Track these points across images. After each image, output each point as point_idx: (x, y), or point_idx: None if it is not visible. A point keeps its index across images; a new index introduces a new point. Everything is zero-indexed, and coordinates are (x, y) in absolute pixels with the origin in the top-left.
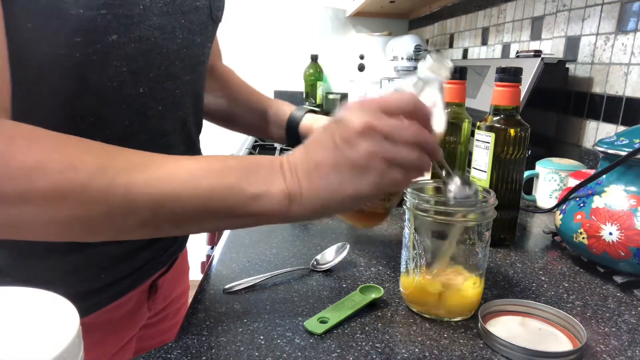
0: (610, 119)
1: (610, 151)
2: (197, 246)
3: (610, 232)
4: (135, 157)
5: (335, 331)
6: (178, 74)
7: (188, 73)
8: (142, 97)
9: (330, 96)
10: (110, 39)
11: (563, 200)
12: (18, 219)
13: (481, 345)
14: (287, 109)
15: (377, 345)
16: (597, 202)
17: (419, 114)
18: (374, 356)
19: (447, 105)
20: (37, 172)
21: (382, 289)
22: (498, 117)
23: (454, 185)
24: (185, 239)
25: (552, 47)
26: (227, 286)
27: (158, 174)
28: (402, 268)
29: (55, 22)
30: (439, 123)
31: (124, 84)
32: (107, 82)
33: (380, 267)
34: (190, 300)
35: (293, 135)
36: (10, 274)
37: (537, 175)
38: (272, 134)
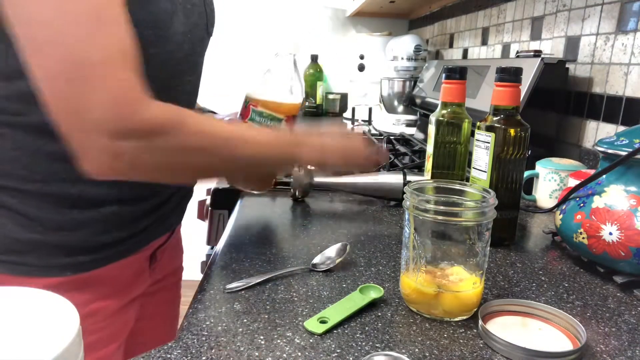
0: (610, 119)
1: (610, 151)
2: (197, 246)
3: (610, 232)
4: (234, 130)
5: (335, 331)
6: (181, 75)
7: (189, 74)
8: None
9: (330, 96)
10: (150, 52)
11: (563, 200)
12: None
13: (481, 345)
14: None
15: (377, 345)
16: (597, 202)
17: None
18: None
19: (447, 105)
20: (198, 135)
21: (382, 289)
22: (498, 117)
23: None
24: (181, 213)
25: (552, 47)
26: (227, 286)
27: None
28: (402, 268)
29: None
30: (296, 93)
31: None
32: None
33: (380, 267)
34: (189, 296)
35: None
36: (42, 223)
37: (537, 175)
38: None
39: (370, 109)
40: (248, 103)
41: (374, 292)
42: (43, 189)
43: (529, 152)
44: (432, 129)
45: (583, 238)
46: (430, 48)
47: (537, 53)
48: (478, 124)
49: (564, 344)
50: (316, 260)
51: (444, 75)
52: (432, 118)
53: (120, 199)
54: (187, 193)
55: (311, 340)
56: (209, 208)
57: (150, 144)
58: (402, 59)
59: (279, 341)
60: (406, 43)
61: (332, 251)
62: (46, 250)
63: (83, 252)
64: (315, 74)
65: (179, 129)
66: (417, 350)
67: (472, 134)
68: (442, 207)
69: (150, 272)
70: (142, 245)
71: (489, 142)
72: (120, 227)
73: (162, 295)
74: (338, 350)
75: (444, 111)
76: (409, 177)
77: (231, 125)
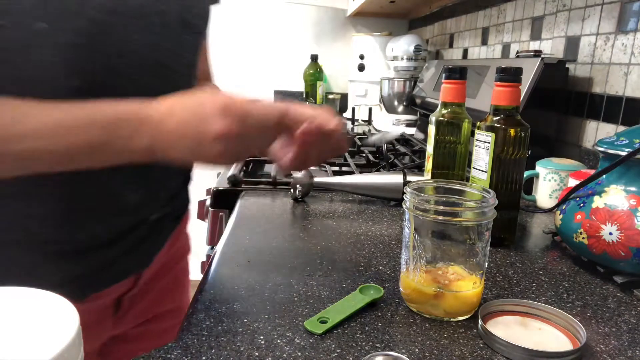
0: (610, 119)
1: (610, 151)
2: (197, 246)
3: (610, 232)
4: (11, 112)
5: (335, 331)
6: (125, 72)
7: (145, 74)
8: (78, 93)
9: (330, 96)
10: (38, 26)
11: (563, 200)
12: None
13: (481, 345)
14: None
15: (377, 345)
16: (597, 202)
17: (285, 122)
18: None
19: (447, 105)
20: None
21: (382, 289)
22: (498, 117)
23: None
24: (148, 257)
25: (552, 47)
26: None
27: (26, 131)
28: (402, 268)
29: None
30: None
31: (55, 77)
32: (30, 70)
33: (380, 267)
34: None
35: None
36: None
37: (537, 175)
38: None
39: (370, 109)
40: None
41: (374, 292)
42: None
43: (529, 152)
44: (432, 129)
45: (583, 238)
46: (430, 48)
47: (537, 53)
48: (478, 124)
49: (564, 344)
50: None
51: (444, 75)
52: (432, 118)
53: (31, 240)
54: (149, 234)
55: (311, 340)
56: (209, 208)
57: None
58: (402, 59)
59: (279, 341)
60: (406, 43)
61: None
62: None
63: None
64: (315, 74)
65: None
66: (417, 350)
67: (472, 134)
68: (442, 207)
69: (114, 321)
70: (81, 295)
71: (489, 142)
72: (34, 272)
73: (147, 341)
74: (338, 350)
75: (444, 111)
76: (409, 177)
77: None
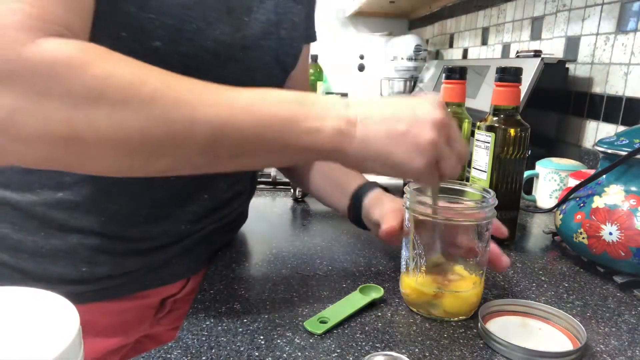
0: (610, 119)
1: (610, 151)
2: None
3: (610, 232)
4: (197, 82)
5: (335, 331)
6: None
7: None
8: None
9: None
10: (154, 44)
11: (563, 200)
12: (82, 125)
13: (481, 345)
14: (357, 180)
15: (377, 345)
16: (597, 202)
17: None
18: None
19: (447, 105)
20: (107, 81)
21: (382, 289)
22: (498, 117)
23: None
24: (198, 263)
25: (552, 47)
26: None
27: (219, 98)
28: (402, 268)
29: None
30: None
31: None
32: None
33: (380, 267)
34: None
35: (356, 210)
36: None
37: (537, 175)
38: (336, 201)
39: None
40: None
41: (374, 292)
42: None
43: (529, 152)
44: None
45: (583, 238)
46: (430, 48)
47: (537, 53)
48: (478, 124)
49: (564, 344)
50: None
51: (444, 75)
52: None
53: (94, 230)
54: (204, 242)
55: (311, 340)
56: None
57: (27, 93)
58: (402, 59)
59: (279, 341)
60: (406, 43)
61: None
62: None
63: (40, 281)
64: (315, 74)
65: (78, 68)
66: (417, 350)
67: (472, 134)
68: (442, 207)
69: (154, 320)
70: (125, 292)
71: (489, 142)
72: (92, 263)
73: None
74: (338, 350)
75: None
76: None
77: (191, 80)
